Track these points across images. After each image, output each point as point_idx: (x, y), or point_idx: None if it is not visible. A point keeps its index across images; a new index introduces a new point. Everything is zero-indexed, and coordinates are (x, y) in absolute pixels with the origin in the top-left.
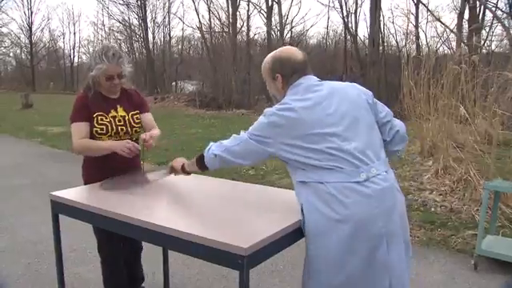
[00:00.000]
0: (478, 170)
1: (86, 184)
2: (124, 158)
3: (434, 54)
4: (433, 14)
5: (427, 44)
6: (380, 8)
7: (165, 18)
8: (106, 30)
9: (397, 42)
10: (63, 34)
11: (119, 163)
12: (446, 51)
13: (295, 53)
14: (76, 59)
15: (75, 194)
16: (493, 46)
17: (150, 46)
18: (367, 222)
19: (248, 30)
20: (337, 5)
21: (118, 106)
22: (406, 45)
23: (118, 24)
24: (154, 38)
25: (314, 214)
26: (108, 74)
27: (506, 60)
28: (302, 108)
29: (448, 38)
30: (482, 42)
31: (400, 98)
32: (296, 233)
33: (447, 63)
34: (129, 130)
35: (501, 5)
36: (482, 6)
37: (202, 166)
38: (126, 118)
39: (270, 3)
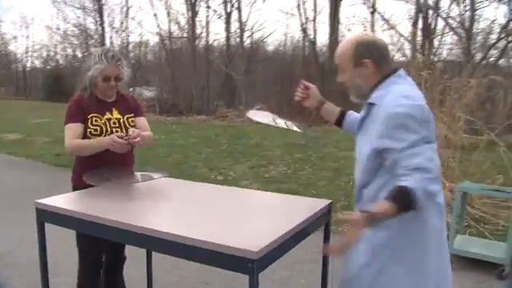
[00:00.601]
0: (442, 172)
1: (75, 187)
2: (114, 160)
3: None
4: (388, 23)
5: None
6: (339, 16)
7: (122, 22)
8: (61, 33)
9: None
10: (15, 37)
11: (109, 164)
12: (400, 59)
13: (379, 38)
14: (28, 64)
15: (61, 201)
16: (444, 54)
17: None
18: None
19: (207, 35)
20: (296, 12)
21: (114, 109)
22: None
23: (73, 28)
24: (111, 42)
25: None
26: (105, 74)
27: (458, 68)
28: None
29: (402, 46)
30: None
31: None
32: (299, 234)
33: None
34: (124, 132)
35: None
36: (435, 15)
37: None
38: (121, 120)
39: (228, 9)
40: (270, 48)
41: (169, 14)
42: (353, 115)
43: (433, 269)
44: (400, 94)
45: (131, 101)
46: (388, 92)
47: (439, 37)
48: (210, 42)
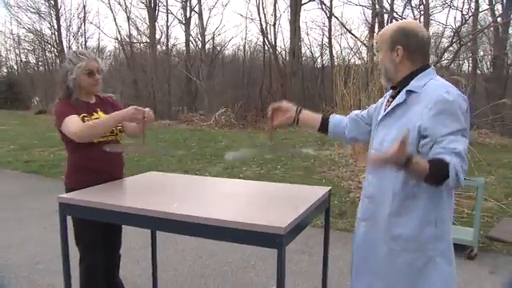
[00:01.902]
0: None
1: (68, 190)
2: (108, 160)
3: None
4: (344, 27)
5: (341, 54)
6: (299, 20)
7: (80, 27)
8: (15, 39)
9: (312, 53)
10: None
11: (103, 165)
12: (357, 61)
13: (423, 30)
14: None
15: (81, 195)
16: None
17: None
18: None
19: (167, 40)
20: (256, 17)
21: (98, 109)
22: (321, 55)
23: (28, 33)
24: (69, 47)
25: None
26: (88, 68)
27: None
28: None
29: (359, 49)
30: None
31: (322, 106)
32: (310, 216)
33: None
34: (113, 129)
35: (408, 18)
36: (390, 19)
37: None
38: None
39: (188, 14)
40: (228, 52)
41: (128, 18)
42: (335, 118)
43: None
44: (445, 84)
45: (109, 100)
46: (428, 82)
47: None
48: (170, 47)
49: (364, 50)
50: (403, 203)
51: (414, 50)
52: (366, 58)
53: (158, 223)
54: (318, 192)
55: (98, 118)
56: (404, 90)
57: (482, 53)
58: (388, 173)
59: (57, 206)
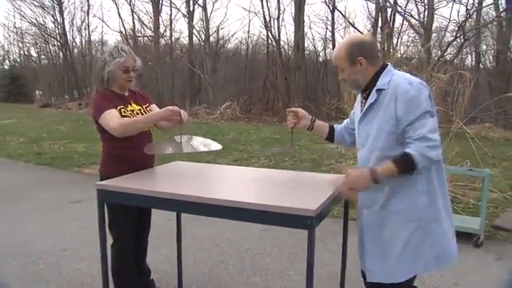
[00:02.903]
0: None
1: (104, 177)
2: (142, 150)
3: None
4: (347, 20)
5: None
6: (303, 13)
7: (83, 21)
8: (19, 32)
9: (315, 46)
10: None
11: (138, 155)
12: None
13: (367, 36)
14: None
15: (119, 182)
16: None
17: (69, 50)
18: None
19: (171, 34)
20: (259, 10)
21: (132, 102)
22: (324, 49)
23: (31, 27)
24: (73, 41)
25: None
26: (125, 66)
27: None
28: None
29: None
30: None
31: (327, 100)
32: (334, 201)
33: None
34: None
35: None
36: (394, 13)
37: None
38: (142, 110)
39: (191, 8)
40: (231, 46)
41: (133, 11)
42: (338, 128)
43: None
44: (406, 77)
45: (140, 93)
46: (392, 78)
47: (398, 34)
48: (174, 40)
49: None
50: (399, 183)
51: (371, 55)
52: None
53: (196, 207)
54: (338, 179)
55: (132, 110)
56: (374, 90)
57: (484, 47)
58: (378, 163)
59: (73, 196)
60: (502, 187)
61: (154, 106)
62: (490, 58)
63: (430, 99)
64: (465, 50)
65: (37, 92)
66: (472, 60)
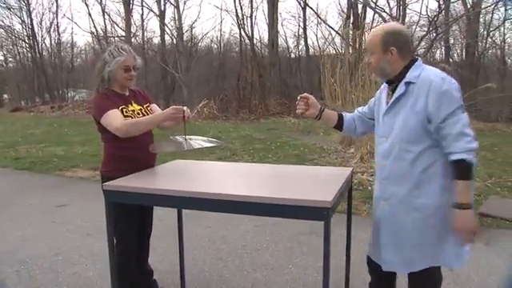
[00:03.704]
0: None
1: (106, 178)
2: (144, 150)
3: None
4: (319, 17)
5: (318, 45)
6: (277, 11)
7: (52, 22)
8: None
9: (287, 43)
10: None
11: (140, 154)
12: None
13: (405, 29)
14: None
15: (126, 183)
16: None
17: (39, 52)
18: None
19: (143, 33)
20: (232, 8)
21: (132, 102)
22: (297, 46)
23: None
24: (42, 42)
25: None
26: (126, 65)
27: None
28: None
29: (333, 39)
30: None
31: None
32: (344, 192)
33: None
34: None
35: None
36: (366, 10)
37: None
38: (143, 110)
39: (162, 7)
40: (202, 44)
41: (104, 12)
42: (347, 117)
43: None
44: (437, 72)
45: (140, 92)
46: (422, 72)
47: (370, 30)
48: (146, 40)
49: (338, 41)
50: (421, 177)
51: (404, 48)
52: (341, 49)
53: (216, 205)
54: (344, 171)
55: (133, 110)
56: (403, 82)
57: (452, 41)
58: (401, 155)
59: (58, 200)
60: (483, 176)
61: (154, 106)
62: (458, 51)
63: (461, 94)
64: (434, 44)
65: (5, 96)
66: (441, 54)
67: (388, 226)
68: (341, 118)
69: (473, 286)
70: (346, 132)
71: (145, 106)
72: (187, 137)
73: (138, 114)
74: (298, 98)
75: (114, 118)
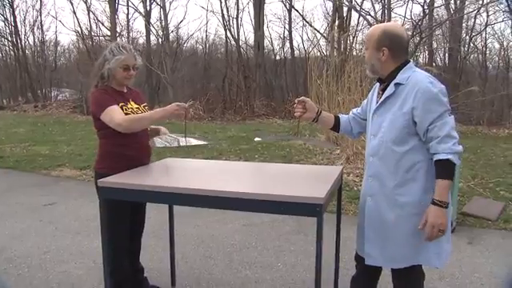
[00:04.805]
0: None
1: (100, 175)
2: (139, 148)
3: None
4: (304, 19)
5: (303, 47)
6: (263, 12)
7: (36, 20)
8: None
9: (272, 45)
10: None
11: (135, 152)
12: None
13: (404, 32)
14: None
15: (122, 179)
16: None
17: (22, 50)
18: None
19: (128, 33)
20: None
21: (130, 99)
22: (282, 48)
23: None
24: (26, 41)
25: None
26: (125, 63)
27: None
28: None
29: (318, 41)
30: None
31: (288, 98)
32: (334, 191)
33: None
34: None
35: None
36: (350, 12)
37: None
38: (140, 109)
39: (148, 7)
40: (187, 45)
41: (89, 10)
42: (343, 118)
43: None
44: (426, 75)
45: (138, 92)
46: (412, 74)
47: (355, 33)
48: (131, 40)
49: (323, 43)
50: (406, 176)
51: (397, 50)
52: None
53: (212, 201)
54: (335, 169)
55: (132, 108)
56: (392, 83)
57: (435, 45)
58: (388, 154)
59: (46, 199)
60: (465, 177)
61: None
62: (441, 55)
63: (447, 98)
64: (418, 48)
65: None
66: (425, 58)
67: (372, 221)
68: (337, 120)
69: (456, 283)
70: (343, 133)
71: (142, 105)
72: (181, 134)
73: (137, 112)
74: (296, 101)
75: (116, 114)
